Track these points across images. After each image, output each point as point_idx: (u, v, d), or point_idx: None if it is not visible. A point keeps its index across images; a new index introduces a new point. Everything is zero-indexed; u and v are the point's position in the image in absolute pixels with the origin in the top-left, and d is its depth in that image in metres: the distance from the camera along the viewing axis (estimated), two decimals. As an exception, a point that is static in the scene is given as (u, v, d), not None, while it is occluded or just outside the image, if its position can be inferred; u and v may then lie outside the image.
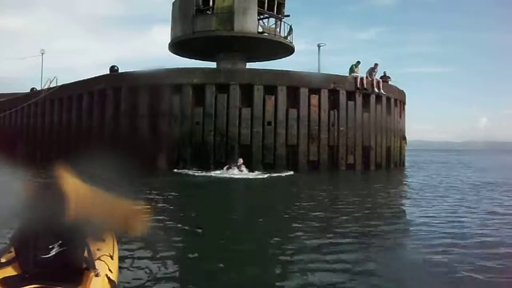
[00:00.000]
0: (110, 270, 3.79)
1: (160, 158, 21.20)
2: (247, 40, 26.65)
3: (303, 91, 22.06)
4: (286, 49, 29.89)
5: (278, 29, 28.83)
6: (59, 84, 27.85)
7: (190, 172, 19.70)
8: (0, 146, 29.77)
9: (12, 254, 3.75)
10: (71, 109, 25.98)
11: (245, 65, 28.79)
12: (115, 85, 23.38)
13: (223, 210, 11.02)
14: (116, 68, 25.66)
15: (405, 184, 18.42)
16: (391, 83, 26.91)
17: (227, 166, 19.80)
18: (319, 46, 30.29)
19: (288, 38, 29.13)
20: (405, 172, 24.86)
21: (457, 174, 24.59)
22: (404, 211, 11.24)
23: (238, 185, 16.99)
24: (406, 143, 29.21)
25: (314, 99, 22.24)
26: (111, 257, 4.12)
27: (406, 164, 29.64)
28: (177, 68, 22.42)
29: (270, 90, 21.71)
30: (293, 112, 21.83)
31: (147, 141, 21.55)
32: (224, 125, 21.27)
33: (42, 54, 41.24)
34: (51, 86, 28.39)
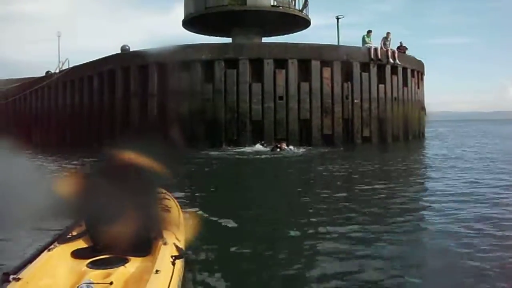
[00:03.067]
0: (177, 238, 3.96)
1: (171, 137, 20.84)
2: (261, 14, 25.90)
3: (315, 64, 21.40)
4: (302, 23, 29.09)
5: (293, 2, 28.10)
6: (71, 66, 27.80)
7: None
8: (17, 131, 30.06)
9: (83, 227, 3.93)
10: (82, 91, 25.82)
11: (261, 40, 28.04)
12: (124, 64, 23.04)
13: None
14: (127, 47, 25.29)
15: (419, 157, 17.80)
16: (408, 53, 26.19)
17: (273, 146, 19.21)
18: (337, 18, 29.37)
19: (304, 11, 28.36)
20: (424, 144, 24.16)
21: (477, 144, 24.05)
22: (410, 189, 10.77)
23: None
24: (425, 114, 28.46)
25: (327, 71, 21.58)
26: (178, 226, 4.38)
27: (427, 135, 28.94)
28: (185, 44, 21.91)
29: (281, 63, 21.11)
30: (305, 85, 21.23)
31: (157, 120, 21.25)
32: (234, 101, 20.79)
33: (59, 37, 41.20)
34: (63, 68, 28.35)
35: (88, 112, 25.15)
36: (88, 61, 26.00)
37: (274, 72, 21.01)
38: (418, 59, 27.08)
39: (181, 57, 21.14)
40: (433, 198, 8.31)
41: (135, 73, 22.42)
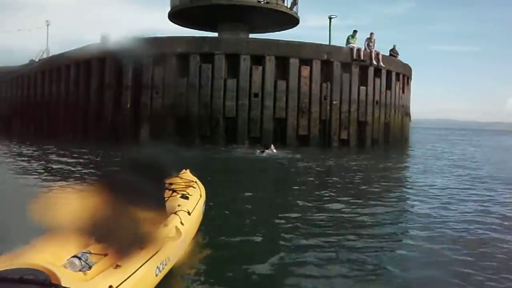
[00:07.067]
0: (181, 223, 4.29)
1: (142, 132, 20.32)
2: (248, 9, 25.23)
3: (293, 62, 20.79)
4: (291, 21, 28.54)
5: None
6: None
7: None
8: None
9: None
10: (60, 81, 25.31)
11: (248, 36, 27.52)
12: (99, 55, 22.45)
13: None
14: (107, 35, 24.68)
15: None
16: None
17: (260, 150, 18.09)
18: (330, 18, 28.76)
19: (294, 9, 27.81)
20: (403, 151, 23.50)
21: (457, 153, 23.70)
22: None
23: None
24: (410, 119, 27.86)
25: (305, 70, 20.97)
26: (189, 212, 4.72)
27: (411, 141, 28.35)
28: (160, 36, 21.32)
29: (258, 60, 20.52)
30: (281, 83, 20.62)
31: (129, 113, 20.76)
32: (208, 97, 20.19)
33: (48, 25, 40.68)
34: (43, 57, 27.96)
35: (64, 103, 24.64)
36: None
37: (251, 69, 20.43)
38: (405, 63, 26.42)
39: (156, 50, 20.58)
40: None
41: (111, 65, 21.87)
